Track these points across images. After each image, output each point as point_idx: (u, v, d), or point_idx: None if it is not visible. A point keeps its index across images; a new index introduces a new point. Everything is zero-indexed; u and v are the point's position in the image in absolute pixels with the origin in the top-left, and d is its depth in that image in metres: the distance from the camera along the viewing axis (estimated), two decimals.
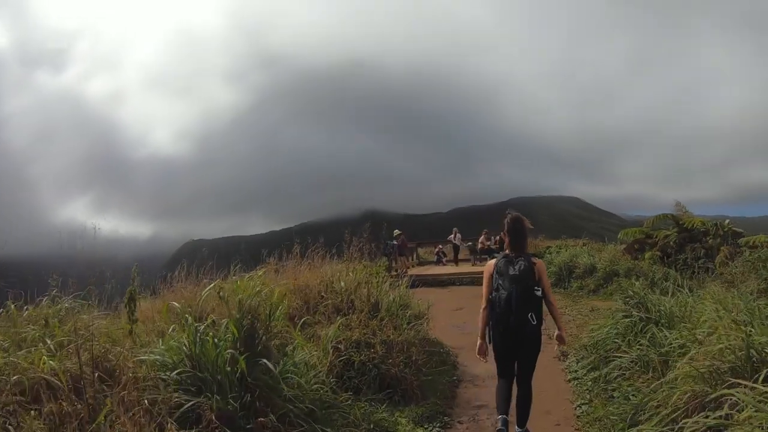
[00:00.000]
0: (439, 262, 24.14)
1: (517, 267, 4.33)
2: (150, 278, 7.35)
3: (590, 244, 21.27)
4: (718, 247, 13.25)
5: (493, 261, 4.60)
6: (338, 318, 6.36)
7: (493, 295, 4.41)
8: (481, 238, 22.42)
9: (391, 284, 8.62)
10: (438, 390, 6.42)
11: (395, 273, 19.18)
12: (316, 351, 5.48)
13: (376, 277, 7.91)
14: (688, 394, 3.74)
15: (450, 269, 20.83)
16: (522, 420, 4.47)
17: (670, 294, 6.72)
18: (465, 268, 20.78)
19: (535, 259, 4.48)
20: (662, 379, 4.38)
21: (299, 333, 5.47)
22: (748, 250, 12.63)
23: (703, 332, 4.69)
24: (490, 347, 4.56)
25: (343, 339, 5.89)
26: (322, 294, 7.19)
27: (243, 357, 4.08)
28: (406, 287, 8.79)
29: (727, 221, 14.03)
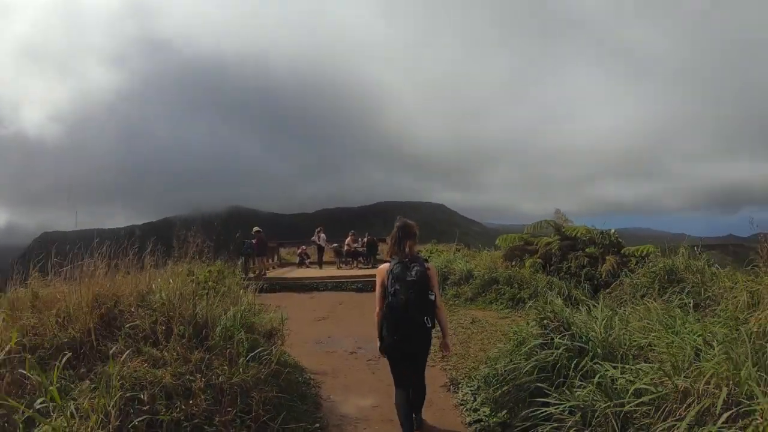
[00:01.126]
0: (301, 264, 22.08)
1: (413, 272, 4.30)
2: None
3: (464, 249, 20.22)
4: (602, 256, 12.52)
5: (386, 265, 4.50)
6: (146, 348, 4.26)
7: (390, 300, 4.32)
8: (348, 240, 20.76)
9: (236, 292, 6.72)
10: None
11: (253, 275, 17.18)
12: (100, 405, 3.36)
13: (204, 286, 5.82)
14: None
15: (313, 272, 18.86)
16: (418, 408, 4.85)
17: (599, 314, 5.16)
18: (330, 271, 18.95)
19: (428, 264, 4.46)
20: None
21: (52, 383, 3.25)
22: (634, 259, 12.02)
23: (689, 374, 3.20)
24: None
25: (149, 383, 3.80)
26: (132, 310, 5.01)
27: None
28: (255, 294, 6.95)
29: (613, 230, 13.33)
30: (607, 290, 9.79)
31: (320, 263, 21.14)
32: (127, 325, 4.67)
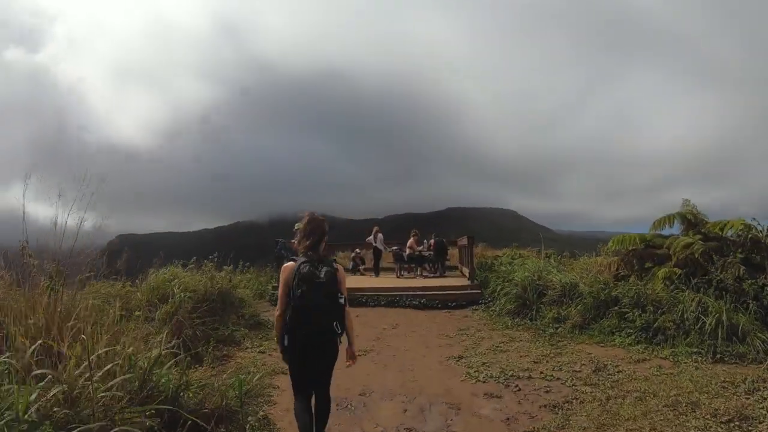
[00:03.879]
0: (355, 270, 18.46)
1: (322, 273, 3.95)
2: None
3: (553, 255, 15.87)
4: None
5: (292, 264, 4.05)
6: None
7: (296, 302, 3.90)
8: (410, 242, 16.81)
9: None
10: None
11: None
12: None
13: None
14: None
15: (366, 282, 15.06)
16: (322, 425, 4.21)
17: None
18: (386, 281, 15.19)
19: (337, 265, 4.11)
20: None
21: None
22: None
23: None
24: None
25: None
26: None
27: None
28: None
29: None
30: None
31: (377, 270, 17.35)
32: None
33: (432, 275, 16.24)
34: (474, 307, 11.53)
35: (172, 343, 5.17)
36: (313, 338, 3.94)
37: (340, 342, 4.09)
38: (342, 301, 4.01)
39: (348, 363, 4.30)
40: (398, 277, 16.20)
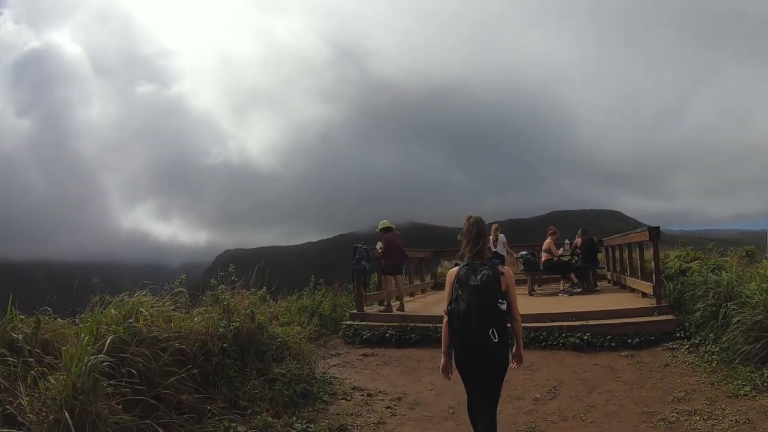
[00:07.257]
0: None
1: (479, 276, 3.66)
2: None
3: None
4: None
5: (456, 269, 3.86)
6: None
7: (452, 306, 3.73)
8: (547, 243, 11.72)
9: None
10: None
11: (380, 309, 9.95)
12: None
13: None
14: None
15: None
16: None
17: None
18: (519, 301, 10.60)
19: (502, 268, 3.82)
20: None
21: None
22: None
23: None
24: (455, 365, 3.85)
25: None
26: None
27: None
28: None
29: None
30: None
31: None
32: None
33: (582, 289, 11.44)
34: (669, 345, 7.01)
35: None
36: (469, 346, 3.64)
37: (511, 355, 3.80)
38: (503, 306, 3.63)
39: (513, 365, 3.89)
40: (531, 294, 11.67)
